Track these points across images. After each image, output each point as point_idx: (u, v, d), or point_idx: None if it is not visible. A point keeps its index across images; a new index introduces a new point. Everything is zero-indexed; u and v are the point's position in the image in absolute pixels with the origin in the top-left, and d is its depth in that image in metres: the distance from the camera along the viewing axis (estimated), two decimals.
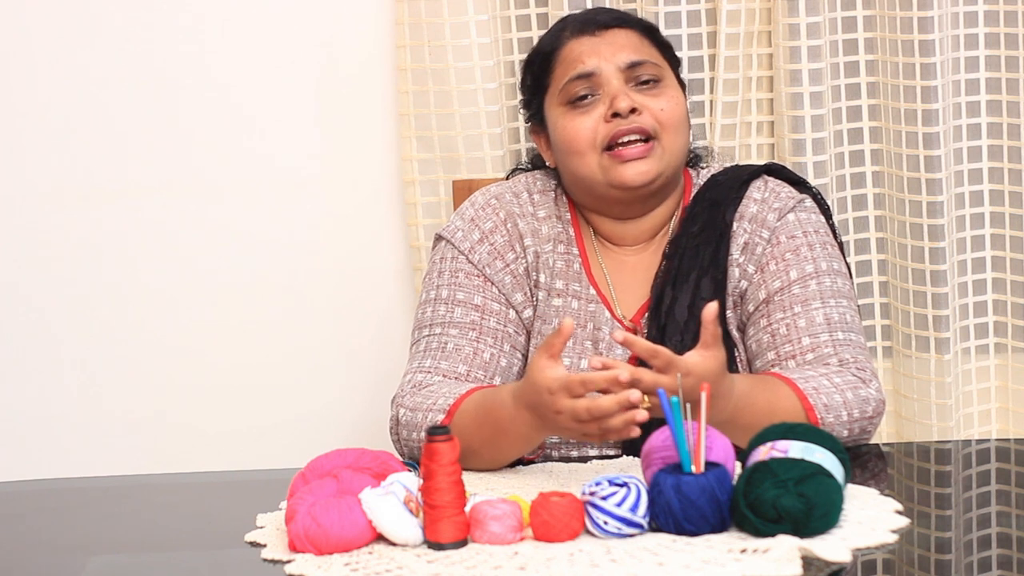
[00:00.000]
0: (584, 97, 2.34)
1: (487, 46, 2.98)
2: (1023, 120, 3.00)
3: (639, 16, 2.93)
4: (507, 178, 2.52)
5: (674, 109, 2.34)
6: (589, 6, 2.92)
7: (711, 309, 2.02)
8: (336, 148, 3.10)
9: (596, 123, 2.33)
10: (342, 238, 3.12)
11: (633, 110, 2.31)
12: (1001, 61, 3.01)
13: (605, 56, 2.35)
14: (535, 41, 3.00)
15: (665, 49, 2.42)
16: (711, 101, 2.97)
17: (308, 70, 3.08)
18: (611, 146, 2.32)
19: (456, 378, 2.28)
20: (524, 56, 3.00)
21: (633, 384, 1.96)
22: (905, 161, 2.98)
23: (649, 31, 2.42)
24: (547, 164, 2.44)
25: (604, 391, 1.98)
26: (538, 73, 2.41)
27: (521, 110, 2.49)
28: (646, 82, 2.35)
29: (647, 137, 2.32)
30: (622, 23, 2.40)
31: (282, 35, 3.07)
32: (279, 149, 3.11)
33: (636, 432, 1.97)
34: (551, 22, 2.96)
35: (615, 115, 2.31)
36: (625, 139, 2.31)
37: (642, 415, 1.96)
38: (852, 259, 3.04)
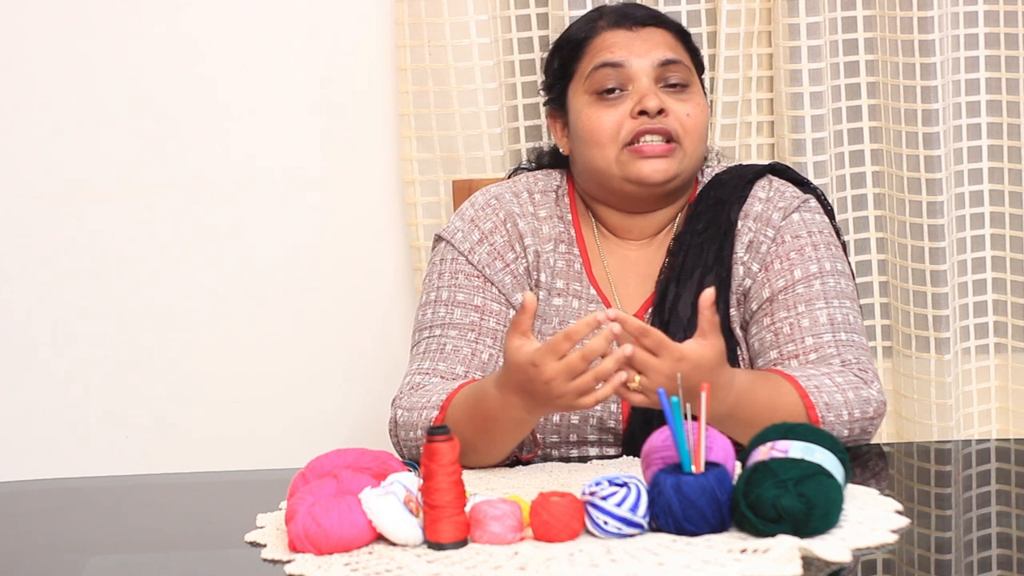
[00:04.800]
0: (612, 91, 2.33)
1: (487, 46, 2.98)
2: (1023, 120, 3.00)
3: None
4: (508, 177, 2.52)
5: (699, 116, 2.34)
6: (589, 6, 2.93)
7: (708, 295, 2.02)
8: (336, 148, 3.10)
9: (622, 118, 2.32)
10: (342, 238, 3.13)
11: (661, 111, 2.31)
12: (1001, 61, 3.01)
13: (638, 52, 2.34)
14: (535, 41, 3.02)
15: (695, 55, 2.41)
16: (711, 101, 2.97)
17: (308, 70, 3.08)
18: (632, 141, 2.32)
19: (454, 379, 2.28)
20: (524, 56, 3.03)
21: (616, 320, 1.99)
22: (905, 161, 2.98)
23: (683, 34, 2.41)
24: (560, 151, 2.44)
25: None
26: (566, 59, 2.40)
27: (541, 91, 2.48)
28: (674, 85, 2.34)
29: (669, 138, 2.32)
30: (658, 22, 2.39)
31: (282, 35, 3.08)
32: (279, 150, 3.11)
33: (623, 377, 1.97)
34: (551, 22, 2.97)
35: (642, 113, 2.31)
36: (648, 137, 2.32)
37: (629, 348, 1.96)
38: (852, 259, 3.04)
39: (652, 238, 2.41)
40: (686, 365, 2.00)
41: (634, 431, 2.27)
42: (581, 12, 2.89)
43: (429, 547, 1.84)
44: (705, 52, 2.98)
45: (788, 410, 2.13)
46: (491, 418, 2.11)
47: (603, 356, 1.98)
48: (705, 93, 2.41)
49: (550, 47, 2.47)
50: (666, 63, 2.34)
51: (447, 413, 2.16)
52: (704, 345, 2.03)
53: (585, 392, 2.00)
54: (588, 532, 1.85)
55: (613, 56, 2.34)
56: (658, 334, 2.01)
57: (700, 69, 2.42)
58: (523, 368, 2.02)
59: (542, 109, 2.51)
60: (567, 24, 2.88)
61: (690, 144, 2.33)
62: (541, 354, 2.00)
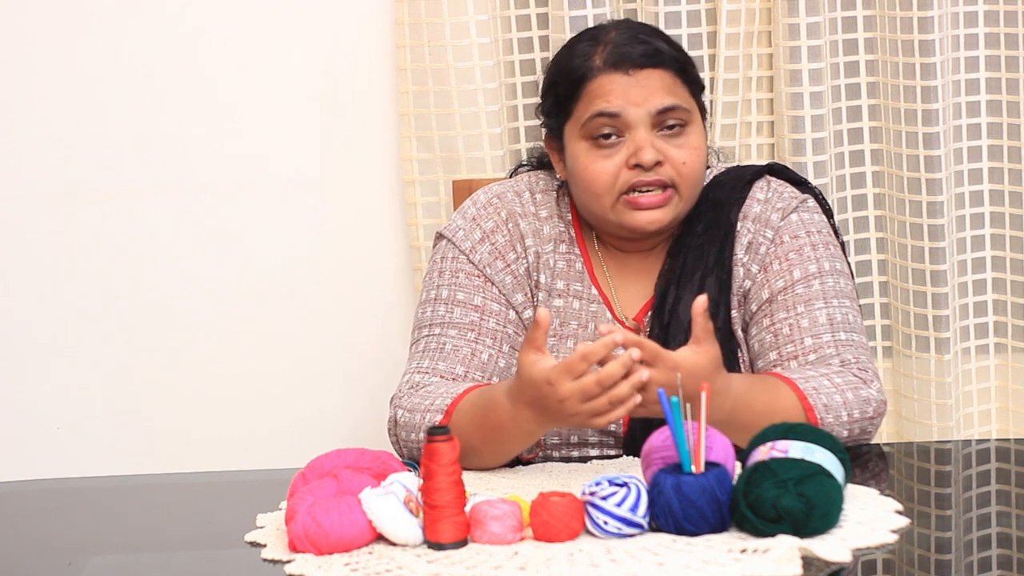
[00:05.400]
0: (608, 136, 2.30)
1: (487, 46, 2.97)
2: (1023, 120, 3.00)
3: (641, 18, 2.94)
4: (510, 176, 2.52)
5: (696, 161, 2.31)
6: (590, 6, 2.92)
7: (701, 302, 2.02)
8: (336, 148, 3.10)
9: (618, 168, 2.29)
10: (342, 238, 3.12)
11: (657, 162, 2.30)
12: (1001, 61, 3.01)
13: (635, 100, 2.30)
14: (535, 41, 3.02)
15: (695, 84, 2.36)
16: (711, 101, 2.97)
17: (308, 70, 3.08)
18: (628, 191, 2.30)
19: (453, 379, 2.28)
20: (524, 56, 3.02)
21: (632, 345, 1.99)
22: (905, 161, 2.98)
23: (682, 70, 2.35)
24: (557, 175, 2.42)
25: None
26: (562, 98, 2.35)
27: (539, 116, 2.44)
28: (672, 126, 2.31)
29: (665, 186, 2.31)
30: (656, 63, 2.32)
31: (282, 35, 3.07)
32: (279, 150, 3.11)
33: (639, 399, 1.98)
34: (551, 22, 2.96)
35: (638, 164, 2.30)
36: (644, 189, 2.30)
37: (646, 374, 1.97)
38: (852, 259, 3.04)
39: (650, 251, 2.41)
40: (682, 374, 1.99)
41: (635, 435, 2.27)
42: (581, 12, 2.90)
43: (429, 547, 1.84)
44: (705, 52, 2.98)
45: (787, 413, 2.12)
46: (500, 428, 2.11)
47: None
48: (705, 117, 2.38)
49: (546, 69, 2.42)
50: (664, 111, 2.30)
51: (452, 419, 2.16)
52: (699, 352, 2.03)
53: (599, 413, 2.00)
54: (588, 532, 1.85)
55: (609, 106, 2.30)
56: (652, 346, 2.00)
57: (700, 92, 2.37)
58: (537, 384, 2.02)
59: (540, 128, 2.48)
60: (567, 25, 2.88)
61: (686, 189, 2.31)
62: (557, 373, 1.99)
